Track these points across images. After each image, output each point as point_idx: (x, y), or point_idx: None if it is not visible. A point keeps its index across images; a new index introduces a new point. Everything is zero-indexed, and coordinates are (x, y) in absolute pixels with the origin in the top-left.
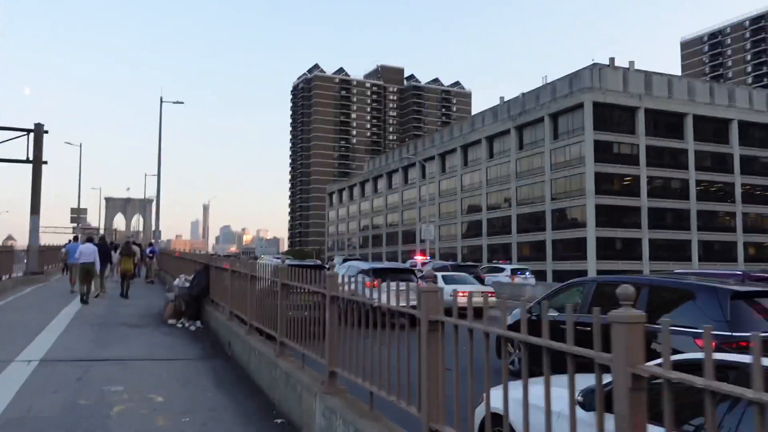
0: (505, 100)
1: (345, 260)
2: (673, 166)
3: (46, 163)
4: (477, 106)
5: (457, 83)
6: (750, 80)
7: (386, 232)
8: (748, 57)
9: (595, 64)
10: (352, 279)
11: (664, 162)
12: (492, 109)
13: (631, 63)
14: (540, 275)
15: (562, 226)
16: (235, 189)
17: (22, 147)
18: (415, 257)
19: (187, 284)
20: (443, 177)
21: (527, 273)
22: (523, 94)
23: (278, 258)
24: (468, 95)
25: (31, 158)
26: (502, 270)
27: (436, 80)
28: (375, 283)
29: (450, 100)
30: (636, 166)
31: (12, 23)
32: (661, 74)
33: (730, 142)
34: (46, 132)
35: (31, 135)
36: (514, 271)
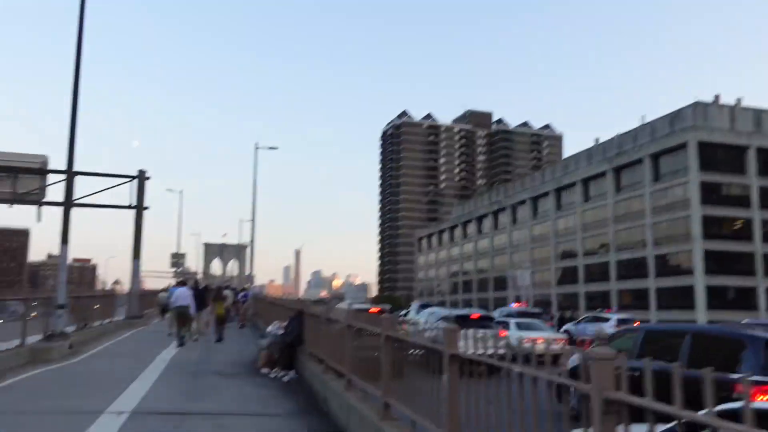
0: (600, 141)
1: (422, 306)
2: None
3: (147, 208)
4: (568, 150)
5: (547, 126)
6: None
7: (476, 279)
8: None
9: (698, 102)
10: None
11: None
12: (586, 151)
13: (739, 100)
14: None
15: (665, 273)
16: (325, 234)
17: (125, 194)
18: (511, 305)
19: (281, 331)
20: (535, 222)
21: (633, 324)
22: (620, 135)
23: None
24: (559, 138)
25: (134, 204)
26: (606, 320)
27: (525, 124)
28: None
29: (540, 143)
30: (747, 208)
31: (110, 73)
32: None
33: None
34: (148, 178)
35: (135, 182)
36: (621, 321)
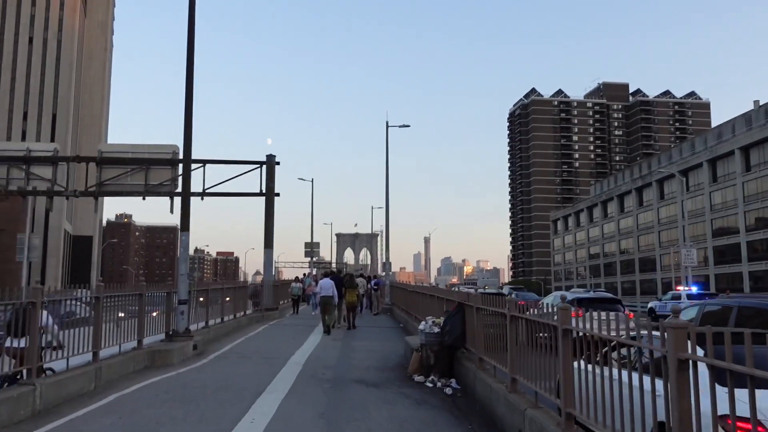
0: (761, 103)
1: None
2: None
3: (278, 195)
4: (717, 118)
5: (691, 93)
6: None
7: (620, 260)
8: None
9: None
10: None
11: None
12: (744, 115)
13: None
14: None
15: None
16: (454, 219)
17: (256, 182)
18: (677, 289)
19: (436, 329)
20: (687, 196)
21: None
22: None
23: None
24: (706, 105)
25: (264, 190)
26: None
27: (666, 93)
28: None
29: (684, 113)
30: None
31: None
32: None
33: None
34: (278, 163)
35: (264, 167)
36: None
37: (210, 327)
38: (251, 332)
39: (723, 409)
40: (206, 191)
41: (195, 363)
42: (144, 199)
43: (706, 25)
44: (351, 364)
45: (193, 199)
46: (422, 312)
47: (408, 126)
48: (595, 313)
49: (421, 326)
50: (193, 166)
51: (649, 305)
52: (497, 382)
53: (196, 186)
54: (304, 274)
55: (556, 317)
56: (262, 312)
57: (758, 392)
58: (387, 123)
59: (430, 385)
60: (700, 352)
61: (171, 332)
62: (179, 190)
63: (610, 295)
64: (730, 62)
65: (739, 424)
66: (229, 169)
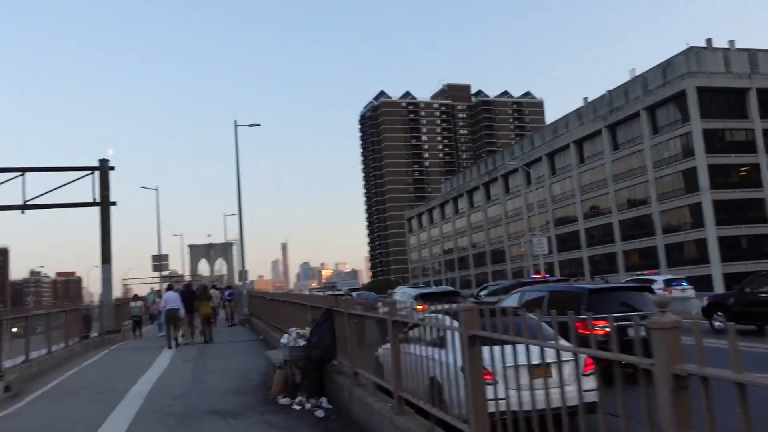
0: (590, 100)
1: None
2: None
3: (114, 203)
4: (550, 115)
5: (527, 93)
6: None
7: (472, 254)
8: None
9: (690, 48)
10: None
11: None
12: (576, 111)
13: (731, 42)
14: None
15: (674, 229)
16: (310, 224)
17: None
18: (533, 276)
19: (302, 341)
20: (529, 189)
21: (684, 283)
22: (610, 92)
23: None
24: (540, 104)
25: (97, 199)
26: (651, 281)
27: (505, 93)
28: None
29: (522, 111)
30: (753, 153)
31: (70, 64)
32: (766, 51)
33: None
34: (112, 169)
35: (97, 174)
36: (668, 282)
37: (32, 361)
38: (86, 361)
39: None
40: (27, 203)
41: (5, 410)
42: None
43: (538, 27)
44: (204, 390)
45: (13, 213)
46: (284, 322)
47: (258, 125)
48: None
49: (284, 339)
50: (10, 175)
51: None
52: (379, 401)
53: (14, 198)
54: (151, 290)
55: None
56: (102, 336)
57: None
58: (235, 122)
59: (298, 407)
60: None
61: None
62: None
63: (450, 288)
64: (559, 63)
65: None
66: (59, 178)
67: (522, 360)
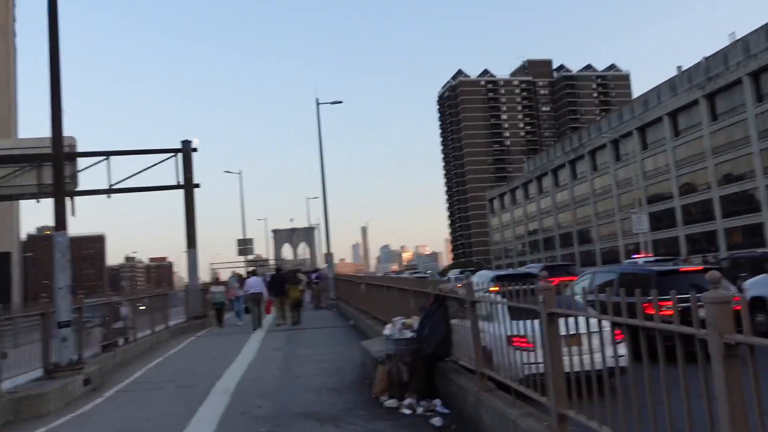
0: (683, 69)
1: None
2: None
3: (198, 186)
4: (637, 89)
5: (612, 66)
6: None
7: (558, 234)
8: None
9: None
10: None
11: None
12: (668, 82)
13: None
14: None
15: None
16: (390, 207)
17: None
18: (635, 256)
19: (409, 333)
20: (619, 165)
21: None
22: (707, 59)
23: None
24: (626, 77)
25: (181, 182)
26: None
27: (588, 66)
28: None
29: (607, 85)
30: None
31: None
32: None
33: None
34: (195, 150)
35: (180, 156)
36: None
37: (117, 349)
38: (172, 350)
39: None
40: (112, 187)
41: (83, 407)
42: (38, 201)
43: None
44: (296, 386)
45: (98, 197)
46: (378, 309)
47: (340, 102)
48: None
49: (387, 330)
50: (94, 159)
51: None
52: (524, 415)
53: (99, 182)
54: (233, 272)
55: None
56: (188, 322)
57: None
58: (317, 100)
59: (408, 411)
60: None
61: (51, 366)
62: (81, 188)
63: (526, 270)
64: (646, 33)
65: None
66: (143, 162)
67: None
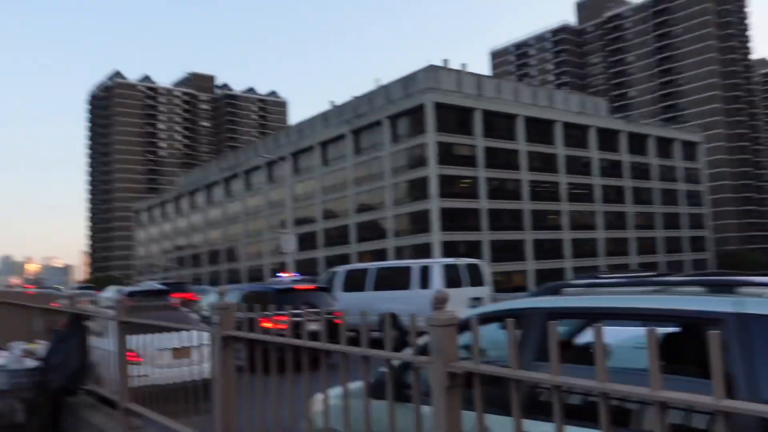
0: (336, 104)
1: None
2: (507, 167)
3: None
4: (294, 116)
5: (273, 93)
6: (552, 87)
7: (208, 251)
8: (550, 67)
9: (430, 66)
10: None
11: (499, 163)
12: (322, 114)
13: (463, 65)
14: None
15: (406, 232)
16: (19, 212)
17: None
18: (280, 275)
19: (31, 362)
20: (272, 187)
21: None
22: (356, 98)
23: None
24: (284, 104)
25: None
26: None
27: (251, 89)
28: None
29: (266, 109)
30: (474, 167)
31: None
32: (489, 77)
33: (554, 142)
34: None
35: None
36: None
37: None
38: None
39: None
40: None
41: None
42: None
43: (287, 29)
44: None
45: None
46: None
47: None
48: None
49: (1, 360)
50: None
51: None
52: None
53: None
54: None
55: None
56: None
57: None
58: None
59: None
60: None
61: None
62: None
63: (160, 286)
64: (305, 66)
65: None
66: None
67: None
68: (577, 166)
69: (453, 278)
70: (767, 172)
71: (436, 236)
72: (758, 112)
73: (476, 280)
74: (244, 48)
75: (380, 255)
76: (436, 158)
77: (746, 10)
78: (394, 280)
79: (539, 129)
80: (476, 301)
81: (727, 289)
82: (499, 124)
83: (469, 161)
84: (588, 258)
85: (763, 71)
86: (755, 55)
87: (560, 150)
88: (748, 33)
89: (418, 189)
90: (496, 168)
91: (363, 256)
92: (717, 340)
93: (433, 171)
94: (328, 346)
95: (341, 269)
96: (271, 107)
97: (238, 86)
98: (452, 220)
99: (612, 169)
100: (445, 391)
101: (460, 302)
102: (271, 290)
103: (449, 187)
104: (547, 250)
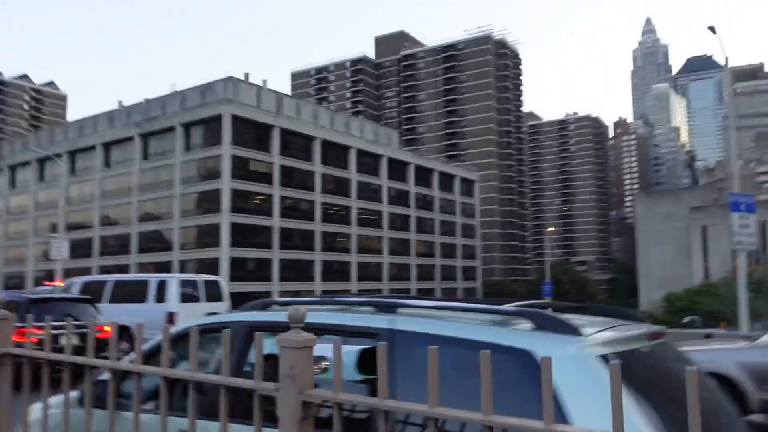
0: (125, 104)
1: None
2: (302, 187)
3: None
4: (75, 113)
5: (51, 83)
6: (349, 114)
7: None
8: (348, 94)
9: (230, 78)
10: None
11: (294, 182)
12: (108, 113)
13: (264, 81)
14: None
15: (193, 246)
16: None
17: None
18: (47, 284)
19: None
20: (43, 187)
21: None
22: (148, 101)
23: None
24: (64, 98)
25: None
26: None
27: (25, 76)
28: None
29: (41, 101)
30: (270, 185)
31: None
32: (290, 96)
33: (349, 167)
34: None
35: None
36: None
37: None
38: None
39: None
40: None
41: None
42: None
43: (73, 19)
44: None
45: None
46: None
47: None
48: None
49: None
50: None
51: None
52: None
53: None
54: None
55: None
56: None
57: None
58: None
59: None
60: None
61: None
62: None
63: None
64: (92, 62)
65: None
66: None
67: None
68: (368, 192)
69: (190, 294)
70: (528, 212)
71: (225, 251)
72: (524, 158)
73: (214, 296)
74: (20, 30)
75: (164, 267)
76: (230, 172)
77: (521, 67)
78: (132, 293)
79: (335, 153)
80: (212, 315)
81: (390, 309)
82: (296, 143)
83: (265, 178)
84: (373, 281)
85: (530, 123)
86: (525, 108)
87: (354, 175)
88: (521, 88)
89: (209, 201)
90: (291, 187)
91: (144, 268)
92: (383, 350)
93: (226, 184)
94: (90, 360)
95: (78, 280)
96: (48, 98)
97: (8, 72)
98: (243, 236)
99: (399, 198)
100: (297, 424)
101: (196, 317)
102: (23, 300)
103: (242, 202)
104: (335, 271)
